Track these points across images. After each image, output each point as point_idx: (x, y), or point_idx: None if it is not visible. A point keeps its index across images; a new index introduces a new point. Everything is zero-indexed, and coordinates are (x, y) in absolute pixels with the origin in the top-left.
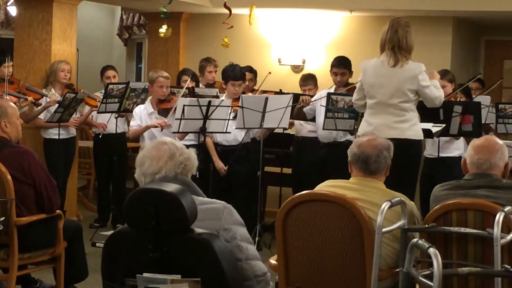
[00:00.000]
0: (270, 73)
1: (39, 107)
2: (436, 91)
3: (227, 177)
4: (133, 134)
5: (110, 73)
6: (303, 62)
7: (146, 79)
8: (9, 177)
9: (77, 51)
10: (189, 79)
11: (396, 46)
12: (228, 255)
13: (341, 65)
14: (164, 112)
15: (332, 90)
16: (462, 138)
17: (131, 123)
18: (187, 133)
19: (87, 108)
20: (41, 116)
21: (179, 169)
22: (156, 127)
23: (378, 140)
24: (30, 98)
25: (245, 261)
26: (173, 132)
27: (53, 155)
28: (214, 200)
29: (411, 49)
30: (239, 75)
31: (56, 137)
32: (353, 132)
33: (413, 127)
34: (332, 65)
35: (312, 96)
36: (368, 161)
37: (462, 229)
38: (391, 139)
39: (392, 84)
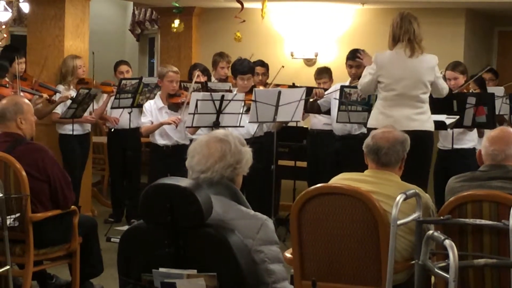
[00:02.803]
0: (283, 66)
1: (53, 105)
2: (443, 82)
3: None
4: (146, 131)
5: (123, 68)
6: (316, 55)
7: None
8: (24, 173)
9: (93, 54)
10: (201, 74)
11: (412, 37)
12: (244, 250)
13: (356, 57)
14: (174, 107)
15: (348, 83)
16: (475, 130)
17: (142, 120)
18: (198, 127)
19: (103, 97)
20: (58, 110)
21: (226, 172)
22: (170, 124)
23: (393, 133)
24: (45, 95)
25: (271, 284)
26: (187, 127)
27: (68, 151)
28: (254, 214)
29: (422, 40)
30: (247, 69)
31: (71, 132)
32: (366, 124)
33: (430, 119)
34: (347, 58)
35: (326, 90)
36: (379, 152)
37: (478, 221)
38: (413, 131)
39: (413, 75)
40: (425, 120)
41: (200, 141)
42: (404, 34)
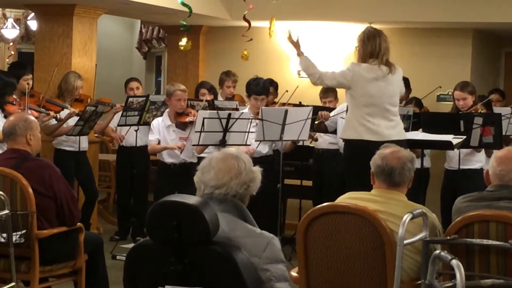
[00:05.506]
0: (287, 91)
1: (61, 122)
2: None
3: None
4: (152, 150)
5: (134, 84)
6: None
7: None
8: (30, 190)
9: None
10: (207, 92)
11: (387, 57)
12: (251, 268)
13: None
14: (181, 125)
15: None
16: (483, 151)
17: (149, 137)
18: (206, 146)
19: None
20: (70, 123)
21: (241, 190)
22: (174, 149)
23: (402, 152)
24: (52, 113)
25: None
26: (193, 145)
27: (62, 166)
28: (260, 232)
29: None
30: (262, 90)
31: (67, 148)
32: None
33: (403, 131)
34: None
35: (332, 109)
36: (393, 173)
37: (485, 241)
38: (394, 141)
39: (390, 87)
40: (400, 131)
41: (215, 157)
42: (381, 52)
